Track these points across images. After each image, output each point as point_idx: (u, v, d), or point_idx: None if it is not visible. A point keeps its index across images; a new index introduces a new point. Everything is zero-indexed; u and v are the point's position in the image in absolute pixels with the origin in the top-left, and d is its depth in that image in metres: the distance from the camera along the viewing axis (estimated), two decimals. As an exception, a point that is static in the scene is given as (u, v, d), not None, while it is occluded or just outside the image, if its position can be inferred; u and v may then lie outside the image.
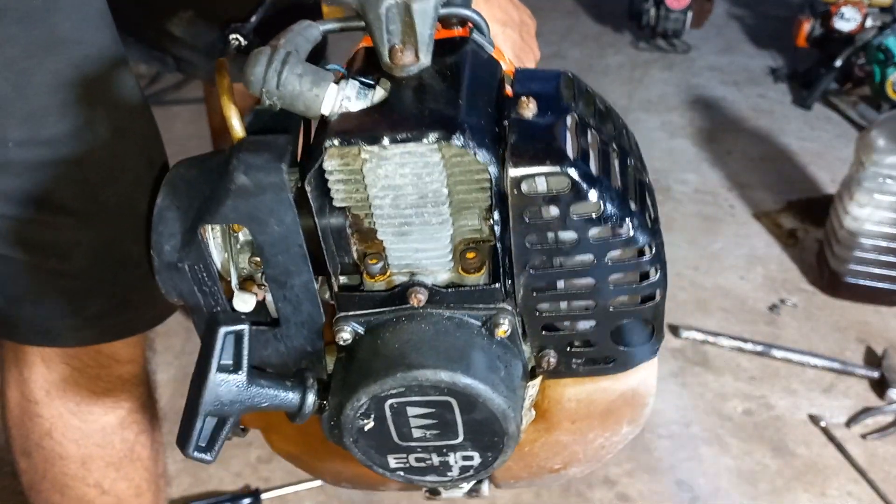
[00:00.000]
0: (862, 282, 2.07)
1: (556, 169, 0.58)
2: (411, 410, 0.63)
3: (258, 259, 0.63)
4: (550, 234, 0.62)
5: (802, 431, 1.79)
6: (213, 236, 0.62)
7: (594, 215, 0.59)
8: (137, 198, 0.94)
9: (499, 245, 0.62)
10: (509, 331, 0.64)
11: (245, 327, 0.60)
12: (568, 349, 0.68)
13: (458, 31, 0.69)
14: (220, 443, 0.60)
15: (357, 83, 0.62)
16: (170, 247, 0.61)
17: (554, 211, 0.60)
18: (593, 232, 0.60)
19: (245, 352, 0.60)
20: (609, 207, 0.59)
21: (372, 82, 0.62)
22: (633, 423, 0.78)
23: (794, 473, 1.70)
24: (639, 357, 0.69)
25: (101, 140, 0.87)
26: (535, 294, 0.64)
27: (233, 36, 1.11)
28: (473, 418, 0.63)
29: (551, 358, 0.68)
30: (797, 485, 1.67)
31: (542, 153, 0.58)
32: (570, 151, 0.59)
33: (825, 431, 1.78)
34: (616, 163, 0.64)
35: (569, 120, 0.62)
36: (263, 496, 1.63)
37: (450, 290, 0.64)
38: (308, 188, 0.60)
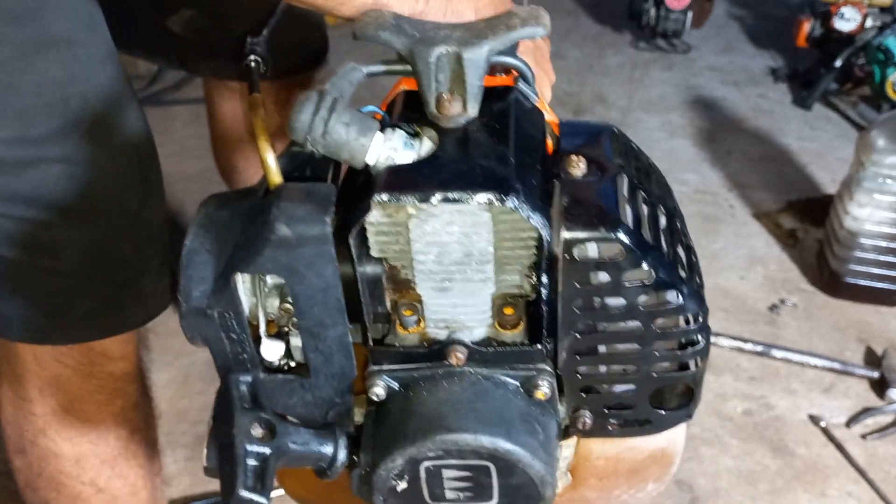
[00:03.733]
0: (862, 282, 2.07)
1: (610, 235, 0.56)
2: (447, 473, 0.61)
3: (289, 307, 0.61)
4: (599, 300, 0.61)
5: (802, 431, 1.79)
6: (241, 280, 0.60)
7: (645, 283, 0.58)
8: (128, 196, 0.94)
9: (544, 307, 0.60)
10: (549, 393, 0.63)
11: (254, 374, 0.60)
12: (605, 411, 0.67)
13: (501, 79, 0.67)
14: (270, 481, 0.57)
15: (403, 133, 0.60)
16: (199, 292, 0.58)
17: (604, 277, 0.58)
18: (643, 299, 0.59)
19: (263, 398, 0.59)
20: (660, 275, 0.58)
21: (417, 131, 0.61)
22: (658, 480, 0.77)
23: (794, 473, 1.70)
24: (675, 420, 0.68)
25: (90, 139, 0.87)
26: (577, 357, 0.63)
27: (251, 57, 1.10)
28: (510, 482, 0.61)
29: (587, 419, 0.67)
30: (797, 485, 1.67)
31: (595, 218, 0.57)
32: (623, 216, 0.58)
33: (825, 431, 1.78)
34: (664, 226, 0.63)
35: (619, 182, 0.61)
36: (263, 496, 1.63)
37: (489, 349, 0.62)
38: (351, 240, 0.58)
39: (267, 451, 0.57)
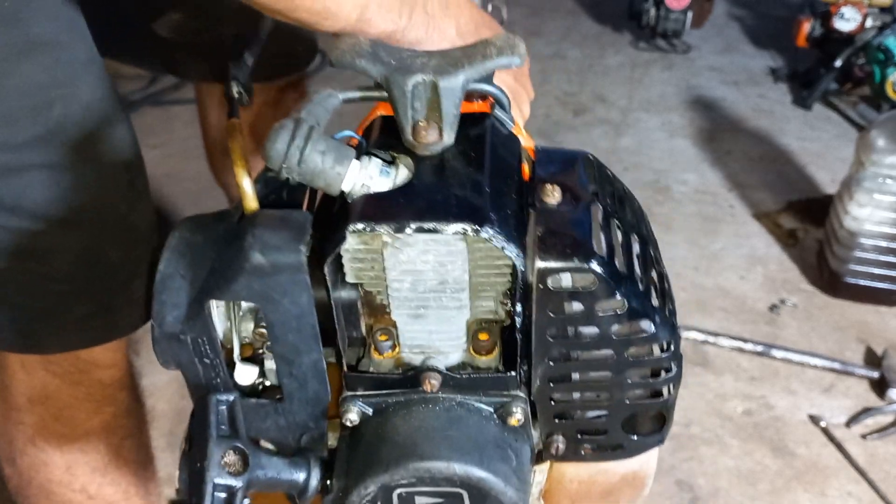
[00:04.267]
0: (862, 282, 2.07)
1: (584, 266, 0.57)
2: (420, 500, 0.61)
3: (263, 332, 0.61)
4: (572, 328, 0.61)
5: (802, 431, 1.79)
6: (216, 304, 0.60)
7: (618, 312, 0.59)
8: (116, 201, 0.93)
9: (518, 335, 0.61)
10: (522, 419, 0.63)
11: (235, 395, 0.59)
12: (578, 436, 0.67)
13: (478, 105, 0.67)
14: None
15: (379, 161, 0.60)
16: (172, 317, 0.58)
17: (578, 306, 0.59)
18: (615, 328, 0.60)
19: (240, 421, 0.58)
20: (633, 305, 0.58)
21: (392, 159, 0.61)
22: (630, 502, 0.77)
23: (794, 473, 1.70)
24: (647, 445, 0.69)
25: (74, 144, 0.86)
26: (551, 384, 0.63)
27: (235, 90, 1.10)
28: None
29: (560, 444, 0.67)
30: (797, 485, 1.67)
31: (569, 248, 0.57)
32: (596, 247, 0.59)
33: (825, 431, 1.78)
34: (638, 255, 0.63)
35: (594, 210, 0.61)
36: (263, 496, 1.63)
37: (463, 375, 0.62)
38: (326, 268, 0.58)
39: (236, 484, 0.56)
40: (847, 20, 2.94)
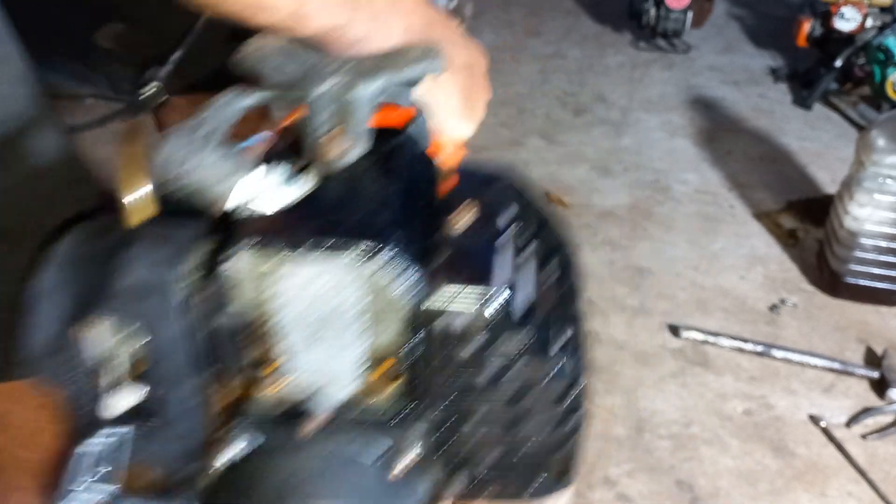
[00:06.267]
0: (862, 282, 2.07)
1: (479, 303, 0.53)
2: None
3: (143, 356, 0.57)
4: (465, 372, 0.57)
5: (802, 431, 1.79)
6: (93, 325, 0.55)
7: (514, 356, 0.55)
8: (49, 224, 0.92)
9: (410, 373, 0.57)
10: (415, 458, 0.59)
11: (109, 439, 0.55)
12: (479, 477, 0.63)
13: (397, 115, 0.63)
14: None
15: (277, 174, 0.56)
16: (42, 337, 0.55)
17: (471, 349, 0.55)
18: (511, 374, 0.56)
19: (117, 462, 0.54)
20: (532, 349, 0.54)
21: (293, 173, 0.57)
22: None
23: (794, 473, 1.70)
24: (552, 488, 0.64)
25: (7, 165, 0.83)
26: (444, 428, 0.59)
27: (152, 83, 1.03)
28: None
29: (459, 485, 0.63)
30: (797, 485, 1.67)
31: (468, 281, 0.53)
32: (495, 283, 0.54)
33: (825, 431, 1.78)
34: (547, 293, 0.59)
35: (501, 243, 0.57)
36: (263, 496, 1.63)
37: (352, 413, 0.58)
38: (206, 290, 0.54)
39: None
40: (847, 20, 2.94)
